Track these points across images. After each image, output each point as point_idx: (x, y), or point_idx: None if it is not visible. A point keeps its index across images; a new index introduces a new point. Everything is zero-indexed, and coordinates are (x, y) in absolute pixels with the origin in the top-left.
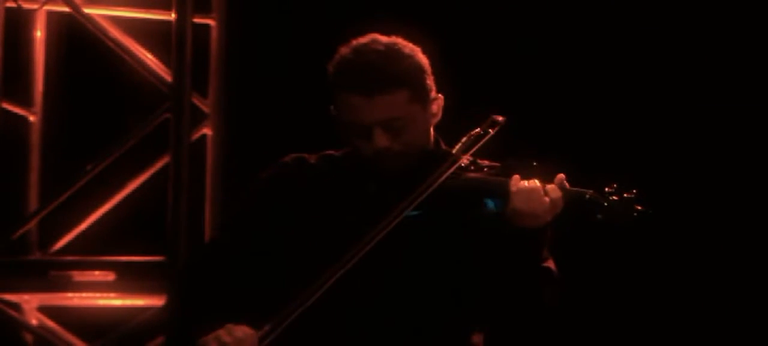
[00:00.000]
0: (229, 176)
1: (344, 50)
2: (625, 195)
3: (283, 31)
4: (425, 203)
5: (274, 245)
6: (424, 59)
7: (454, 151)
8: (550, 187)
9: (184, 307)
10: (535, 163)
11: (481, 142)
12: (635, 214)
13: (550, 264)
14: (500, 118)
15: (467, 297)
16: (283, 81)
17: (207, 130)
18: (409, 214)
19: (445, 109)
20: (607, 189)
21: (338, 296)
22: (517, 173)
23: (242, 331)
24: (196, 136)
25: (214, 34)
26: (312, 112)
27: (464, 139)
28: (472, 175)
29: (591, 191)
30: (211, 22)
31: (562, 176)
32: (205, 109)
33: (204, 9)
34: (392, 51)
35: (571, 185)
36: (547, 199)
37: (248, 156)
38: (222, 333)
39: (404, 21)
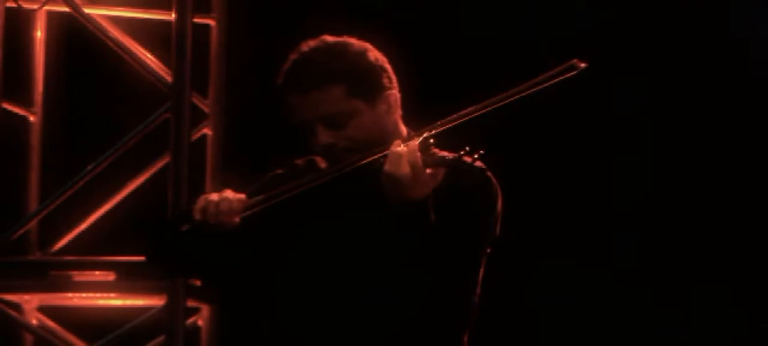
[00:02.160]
0: (229, 176)
1: (291, 54)
2: (475, 156)
3: (284, 32)
4: (356, 180)
5: (264, 223)
6: (374, 56)
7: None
8: (410, 149)
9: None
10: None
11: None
12: (480, 173)
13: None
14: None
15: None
16: None
17: (207, 130)
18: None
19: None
20: (461, 152)
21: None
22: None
23: (230, 192)
24: (196, 136)
25: (214, 34)
26: None
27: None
28: None
29: (451, 156)
30: (211, 22)
31: (415, 142)
32: (205, 109)
33: (204, 9)
34: (331, 49)
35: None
36: (407, 163)
37: (248, 156)
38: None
39: (404, 20)
